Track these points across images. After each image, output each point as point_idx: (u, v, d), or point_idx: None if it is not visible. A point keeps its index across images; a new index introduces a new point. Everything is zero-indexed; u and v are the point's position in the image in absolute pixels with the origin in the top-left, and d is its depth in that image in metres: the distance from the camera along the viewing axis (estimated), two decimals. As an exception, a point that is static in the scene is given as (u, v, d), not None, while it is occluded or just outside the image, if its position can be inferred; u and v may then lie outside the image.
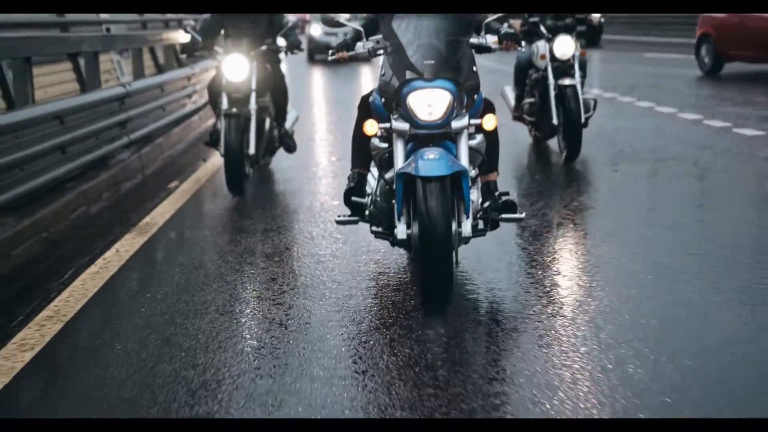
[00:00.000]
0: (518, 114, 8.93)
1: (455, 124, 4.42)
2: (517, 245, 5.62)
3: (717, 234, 5.77)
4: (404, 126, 4.42)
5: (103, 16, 10.95)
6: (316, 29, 25.19)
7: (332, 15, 4.98)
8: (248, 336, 4.29)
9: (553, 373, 3.66)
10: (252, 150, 7.42)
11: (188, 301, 4.78)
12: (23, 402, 3.72)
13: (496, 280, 4.92)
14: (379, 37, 4.72)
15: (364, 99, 4.93)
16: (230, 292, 4.93)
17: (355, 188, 4.97)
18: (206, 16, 8.11)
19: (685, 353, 3.80)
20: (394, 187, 4.46)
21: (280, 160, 8.52)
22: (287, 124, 8.29)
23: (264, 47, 7.56)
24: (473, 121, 4.48)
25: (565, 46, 8.10)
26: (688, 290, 4.63)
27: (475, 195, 4.66)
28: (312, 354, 3.97)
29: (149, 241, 6.10)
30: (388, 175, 4.62)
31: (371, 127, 4.47)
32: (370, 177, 4.96)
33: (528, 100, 8.65)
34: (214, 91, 7.69)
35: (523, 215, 4.94)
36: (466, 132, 4.48)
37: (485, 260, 5.18)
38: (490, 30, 4.78)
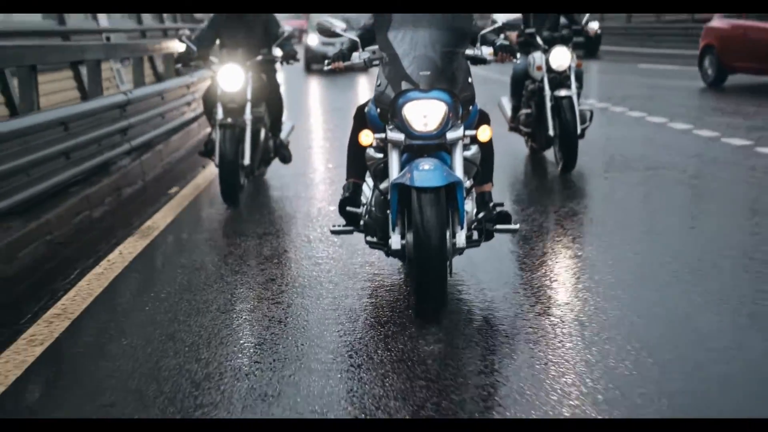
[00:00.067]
0: (515, 125, 8.96)
1: (450, 135, 4.47)
2: (507, 249, 5.81)
3: (702, 239, 5.97)
4: (399, 136, 4.47)
5: (103, 24, 11.13)
6: (313, 39, 25.35)
7: (328, 25, 4.99)
8: (249, 333, 4.48)
9: (539, 367, 3.85)
10: (247, 160, 7.41)
11: (190, 300, 4.97)
12: (36, 393, 3.90)
13: (486, 280, 5.11)
14: (375, 47, 4.78)
15: (360, 109, 4.97)
16: (231, 292, 5.12)
17: (350, 198, 5.02)
18: (202, 25, 8.16)
19: (664, 349, 3.99)
20: (389, 197, 4.48)
21: (277, 167, 8.67)
22: (282, 135, 8.31)
23: (259, 57, 7.55)
24: (468, 132, 4.53)
25: (561, 57, 8.16)
26: (672, 292, 4.82)
27: (469, 206, 4.73)
28: (310, 349, 4.16)
29: (151, 244, 6.29)
30: (383, 186, 4.66)
31: (366, 137, 4.53)
32: (365, 187, 5.04)
33: (524, 111, 8.69)
34: (210, 101, 7.66)
35: (517, 226, 5.01)
36: (461, 143, 4.54)
37: (477, 262, 5.36)
38: (485, 41, 4.80)
